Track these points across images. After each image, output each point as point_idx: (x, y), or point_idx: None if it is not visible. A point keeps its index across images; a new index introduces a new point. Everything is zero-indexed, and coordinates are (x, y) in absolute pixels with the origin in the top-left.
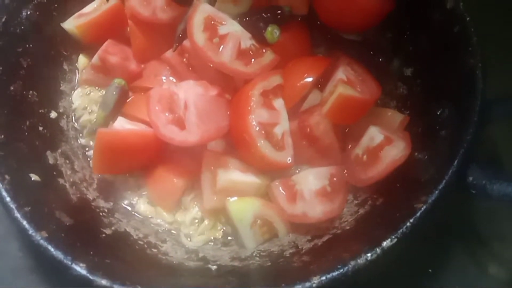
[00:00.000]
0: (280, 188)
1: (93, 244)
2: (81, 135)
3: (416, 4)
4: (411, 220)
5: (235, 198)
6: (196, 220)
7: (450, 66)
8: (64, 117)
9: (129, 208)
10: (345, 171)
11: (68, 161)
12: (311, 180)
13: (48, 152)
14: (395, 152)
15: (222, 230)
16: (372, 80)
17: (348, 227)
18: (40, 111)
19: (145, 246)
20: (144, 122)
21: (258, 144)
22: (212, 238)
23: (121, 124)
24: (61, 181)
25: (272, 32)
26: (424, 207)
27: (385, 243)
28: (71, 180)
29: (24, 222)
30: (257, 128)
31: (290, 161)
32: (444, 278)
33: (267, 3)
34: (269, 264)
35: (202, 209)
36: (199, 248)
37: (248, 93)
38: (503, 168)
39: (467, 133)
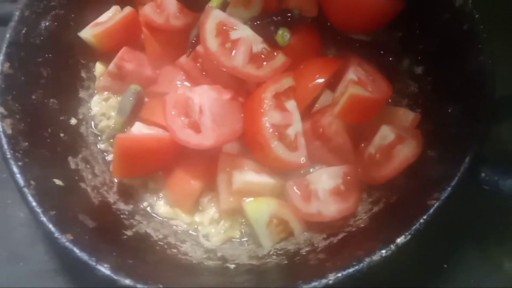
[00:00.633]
0: (295, 187)
1: (116, 246)
2: (100, 140)
3: (425, 3)
4: (425, 217)
5: (251, 198)
6: (214, 221)
7: (460, 64)
8: (84, 123)
9: (149, 210)
10: (359, 169)
11: (88, 166)
12: (325, 179)
13: (70, 158)
14: (407, 150)
15: (239, 229)
16: (382, 80)
17: (362, 225)
18: (61, 118)
19: (165, 246)
20: (160, 126)
21: (272, 146)
22: (229, 237)
23: (138, 129)
24: (82, 185)
25: (283, 35)
26: (437, 203)
27: (399, 240)
28: (92, 184)
29: (50, 226)
30: (271, 130)
31: (304, 161)
32: (458, 275)
33: (277, 7)
34: (286, 262)
35: (219, 210)
36: (217, 248)
37: (261, 95)
38: None
39: (478, 130)
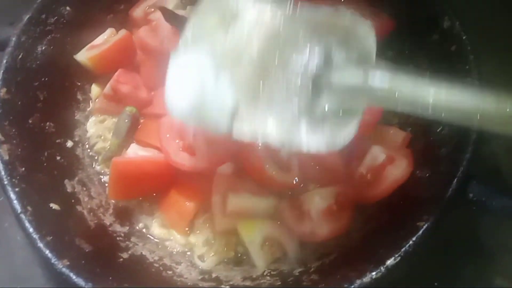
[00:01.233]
0: (288, 208)
1: (112, 269)
2: (96, 162)
3: (415, 24)
4: (414, 239)
5: (245, 220)
6: (209, 241)
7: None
8: (80, 145)
9: (144, 231)
10: (351, 189)
11: (85, 188)
12: (318, 199)
13: (66, 181)
14: (398, 171)
15: (234, 250)
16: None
17: (354, 245)
18: (57, 141)
19: (161, 268)
20: (156, 148)
21: (266, 167)
22: (224, 258)
23: (134, 151)
24: (79, 208)
25: None
26: (426, 225)
27: (389, 262)
28: (89, 206)
29: (47, 252)
30: (264, 152)
31: (297, 181)
32: None
33: None
34: (279, 283)
35: (213, 231)
36: (212, 269)
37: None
38: (503, 183)
39: (466, 151)
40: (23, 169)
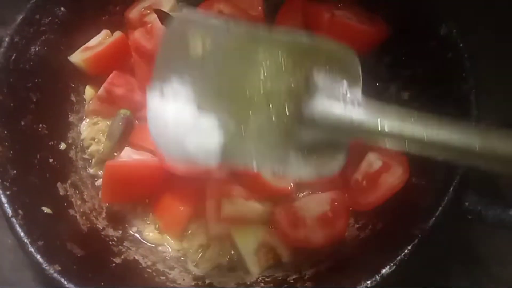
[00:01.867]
0: (283, 214)
1: (104, 275)
2: (89, 165)
3: (412, 31)
4: (409, 247)
5: (240, 226)
6: (202, 247)
7: (444, 92)
8: (73, 147)
9: (138, 236)
10: (346, 196)
11: (77, 192)
12: (313, 206)
13: (59, 184)
14: (393, 178)
15: (228, 256)
16: None
17: (349, 252)
18: (50, 143)
19: (154, 274)
20: (150, 151)
21: (261, 172)
22: (218, 264)
23: (128, 154)
24: (71, 212)
25: None
26: (422, 234)
27: (384, 271)
28: (81, 210)
29: (38, 256)
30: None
31: (292, 187)
32: None
33: None
34: None
35: (207, 236)
36: (205, 275)
37: None
38: (499, 193)
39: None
40: (15, 171)
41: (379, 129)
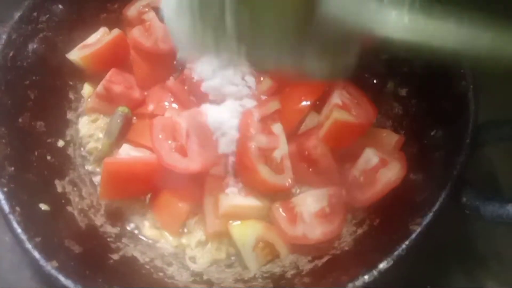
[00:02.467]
0: (281, 210)
1: (102, 271)
2: (88, 162)
3: None
4: (407, 242)
5: (238, 222)
6: (201, 243)
7: (442, 88)
8: (71, 145)
9: (136, 232)
10: (343, 191)
11: (75, 189)
12: (310, 202)
13: (57, 181)
14: (391, 174)
15: (226, 252)
16: (367, 103)
17: (347, 248)
18: (48, 140)
19: (152, 270)
20: (148, 148)
21: (258, 169)
22: (216, 260)
23: (126, 151)
24: (69, 209)
25: None
26: (419, 229)
27: (381, 265)
28: (79, 207)
29: (35, 253)
30: (257, 153)
31: (290, 184)
32: None
33: None
34: (271, 286)
35: (205, 233)
36: (203, 271)
37: (247, 120)
38: (497, 189)
39: (460, 156)
40: (12, 168)
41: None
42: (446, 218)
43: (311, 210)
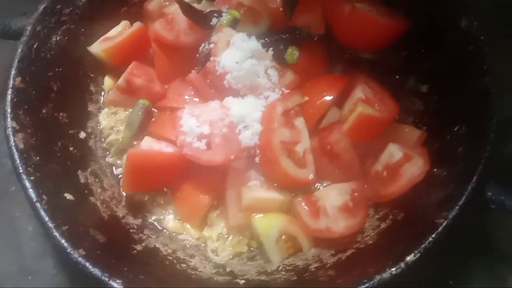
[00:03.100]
0: (303, 204)
1: (126, 261)
2: (108, 154)
3: (431, 23)
4: (433, 235)
5: (261, 215)
6: (223, 236)
7: (465, 84)
8: (92, 137)
9: (157, 224)
10: (366, 186)
11: (97, 180)
12: (334, 195)
13: (79, 172)
14: (415, 169)
15: (248, 244)
16: (389, 98)
17: (370, 242)
18: (70, 132)
19: (175, 261)
20: (169, 140)
21: (281, 162)
22: (238, 252)
23: (148, 144)
24: (92, 199)
25: (292, 53)
26: (445, 222)
27: (408, 258)
28: (102, 198)
29: (63, 241)
30: (280, 147)
31: (312, 177)
32: None
33: (285, 24)
34: (295, 278)
35: (228, 226)
36: (226, 263)
37: (270, 113)
38: None
39: (484, 151)
40: (37, 158)
41: None
42: (471, 213)
43: (335, 204)
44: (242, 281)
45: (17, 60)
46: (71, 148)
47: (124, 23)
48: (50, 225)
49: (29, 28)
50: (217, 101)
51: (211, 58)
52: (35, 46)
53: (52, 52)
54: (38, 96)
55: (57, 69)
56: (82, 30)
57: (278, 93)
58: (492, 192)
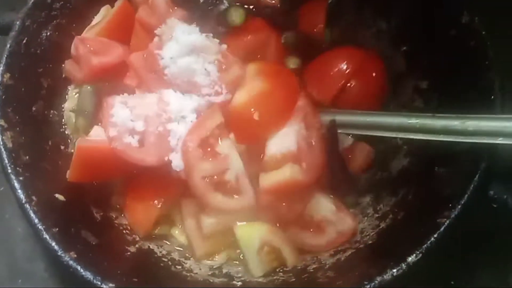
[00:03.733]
0: (297, 224)
1: (120, 263)
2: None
3: (431, 18)
4: (435, 235)
5: (243, 223)
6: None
7: (467, 80)
8: (83, 136)
9: None
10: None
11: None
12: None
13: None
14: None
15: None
16: (319, 149)
17: (370, 242)
18: (61, 130)
19: (169, 263)
20: None
21: (210, 201)
22: (230, 258)
23: (97, 134)
24: (84, 200)
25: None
26: (448, 222)
27: (410, 259)
28: (93, 198)
29: (53, 243)
30: (203, 184)
31: (250, 202)
32: None
33: None
34: (294, 280)
35: (194, 257)
36: (222, 265)
37: (185, 149)
38: None
39: (486, 149)
40: (27, 157)
41: None
42: (473, 212)
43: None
44: (239, 283)
45: (5, 55)
46: (62, 147)
47: (105, 8)
48: (40, 227)
49: (18, 23)
50: (155, 94)
51: (155, 51)
52: (24, 41)
53: (42, 48)
54: (28, 93)
55: (47, 65)
56: (73, 25)
57: (219, 92)
58: (494, 191)
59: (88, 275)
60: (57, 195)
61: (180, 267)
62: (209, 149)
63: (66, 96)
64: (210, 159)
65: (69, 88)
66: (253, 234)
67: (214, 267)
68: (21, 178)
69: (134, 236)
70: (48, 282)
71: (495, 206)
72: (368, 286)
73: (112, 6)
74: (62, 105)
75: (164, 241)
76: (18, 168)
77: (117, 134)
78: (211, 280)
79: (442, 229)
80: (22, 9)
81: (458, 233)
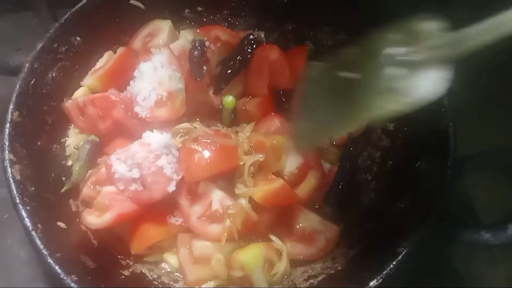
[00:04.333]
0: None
1: (115, 286)
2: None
3: None
4: (394, 263)
5: (241, 248)
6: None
7: (425, 125)
8: None
9: None
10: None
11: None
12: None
13: (71, 201)
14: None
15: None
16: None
17: (340, 268)
18: (62, 162)
19: (160, 286)
20: None
21: (208, 233)
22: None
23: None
24: (83, 227)
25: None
26: (405, 251)
27: (371, 283)
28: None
29: (57, 267)
30: (199, 223)
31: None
32: None
33: None
34: None
35: (185, 281)
36: None
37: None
38: (476, 217)
39: (441, 187)
40: (33, 188)
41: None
42: (429, 243)
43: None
44: None
45: (15, 95)
46: (63, 178)
47: (108, 53)
48: (44, 252)
49: (27, 65)
50: (138, 141)
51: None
52: (32, 82)
53: (48, 88)
54: (34, 129)
55: (52, 103)
56: (76, 66)
57: None
58: (448, 225)
59: None
60: (59, 223)
61: None
62: (195, 193)
63: (68, 131)
64: (197, 202)
65: (71, 126)
66: (256, 254)
67: None
68: (28, 207)
69: (127, 261)
70: None
71: (448, 239)
72: None
73: (115, 52)
74: (62, 140)
75: (156, 265)
76: (25, 198)
77: (124, 187)
78: None
79: (399, 257)
80: (30, 51)
81: (416, 262)
